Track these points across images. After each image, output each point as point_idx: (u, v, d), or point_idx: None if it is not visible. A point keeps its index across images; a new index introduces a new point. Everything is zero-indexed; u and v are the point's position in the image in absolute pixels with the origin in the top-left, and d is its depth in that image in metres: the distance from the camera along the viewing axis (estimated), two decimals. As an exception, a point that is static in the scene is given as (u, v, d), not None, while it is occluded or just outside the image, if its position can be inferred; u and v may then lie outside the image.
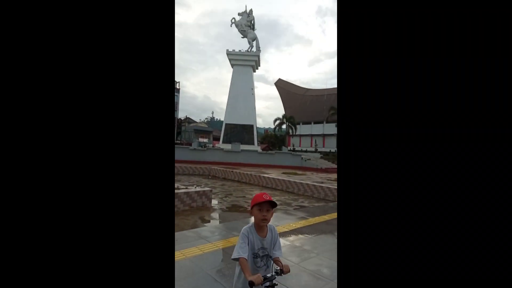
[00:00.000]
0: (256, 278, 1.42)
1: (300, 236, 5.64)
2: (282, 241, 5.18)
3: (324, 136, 53.26)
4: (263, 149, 30.64)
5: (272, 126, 50.50)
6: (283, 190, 16.33)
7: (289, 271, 1.60)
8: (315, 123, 54.45)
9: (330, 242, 5.46)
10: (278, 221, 6.79)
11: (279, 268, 1.58)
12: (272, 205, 1.67)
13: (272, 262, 1.64)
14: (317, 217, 7.40)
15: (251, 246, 1.64)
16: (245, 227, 1.71)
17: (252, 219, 1.74)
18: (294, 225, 6.39)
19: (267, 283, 1.46)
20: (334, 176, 21.61)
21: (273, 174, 19.75)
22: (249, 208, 1.79)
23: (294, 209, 9.46)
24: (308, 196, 14.66)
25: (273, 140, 44.46)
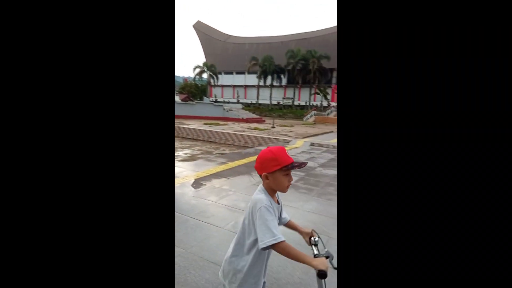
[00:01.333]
0: (327, 266, 1.12)
1: (220, 178, 6.10)
2: (203, 184, 5.42)
3: (245, 87, 53.36)
4: (182, 100, 29.51)
5: (192, 75, 48.23)
6: (205, 140, 16.46)
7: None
8: (237, 73, 53.84)
9: (246, 181, 6.11)
10: (199, 168, 7.14)
11: (316, 238, 1.35)
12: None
13: (312, 238, 1.36)
14: (236, 161, 7.94)
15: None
16: (261, 197, 1.28)
17: (258, 185, 1.37)
18: (214, 170, 6.77)
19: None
20: (254, 125, 22.64)
21: (194, 125, 19.62)
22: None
23: (215, 156, 9.83)
24: (229, 145, 15.20)
25: (194, 90, 42.82)
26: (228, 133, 16.35)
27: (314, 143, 12.54)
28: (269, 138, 14.05)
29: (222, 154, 10.64)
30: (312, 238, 1.36)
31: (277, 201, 1.39)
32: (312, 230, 1.41)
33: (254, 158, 8.54)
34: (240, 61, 50.22)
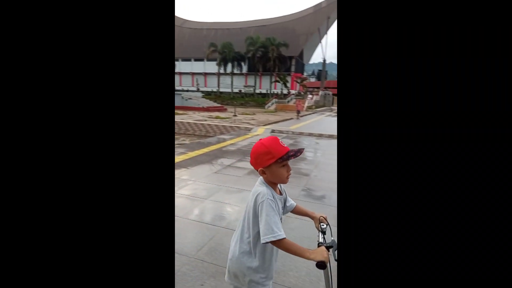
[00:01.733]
0: (326, 256, 1.09)
1: (179, 169, 6.05)
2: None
3: (205, 75, 52.07)
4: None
5: (148, 61, 45.89)
6: (163, 131, 15.96)
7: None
8: (195, 60, 52.15)
9: (207, 170, 6.07)
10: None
11: (324, 225, 1.30)
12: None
13: (321, 224, 1.32)
14: (196, 151, 7.86)
15: (278, 213, 1.23)
16: (262, 190, 1.24)
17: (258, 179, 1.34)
18: (172, 161, 6.58)
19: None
20: (216, 114, 22.41)
21: (152, 114, 18.93)
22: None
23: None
24: (190, 134, 14.96)
25: (150, 76, 40.94)
26: (188, 122, 16.02)
27: (275, 130, 12.90)
28: (230, 127, 14.02)
29: (181, 144, 10.39)
30: (321, 224, 1.33)
31: (280, 191, 1.35)
32: (322, 216, 1.37)
33: (215, 147, 8.46)
34: (198, 47, 48.79)
